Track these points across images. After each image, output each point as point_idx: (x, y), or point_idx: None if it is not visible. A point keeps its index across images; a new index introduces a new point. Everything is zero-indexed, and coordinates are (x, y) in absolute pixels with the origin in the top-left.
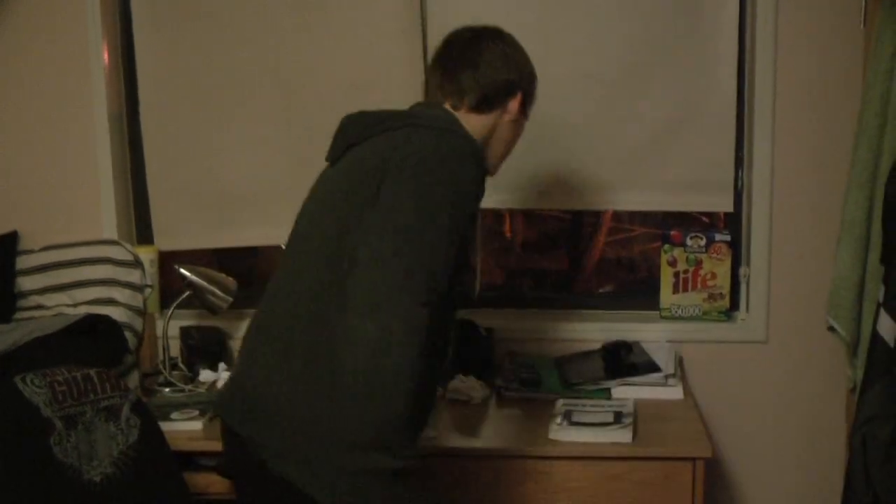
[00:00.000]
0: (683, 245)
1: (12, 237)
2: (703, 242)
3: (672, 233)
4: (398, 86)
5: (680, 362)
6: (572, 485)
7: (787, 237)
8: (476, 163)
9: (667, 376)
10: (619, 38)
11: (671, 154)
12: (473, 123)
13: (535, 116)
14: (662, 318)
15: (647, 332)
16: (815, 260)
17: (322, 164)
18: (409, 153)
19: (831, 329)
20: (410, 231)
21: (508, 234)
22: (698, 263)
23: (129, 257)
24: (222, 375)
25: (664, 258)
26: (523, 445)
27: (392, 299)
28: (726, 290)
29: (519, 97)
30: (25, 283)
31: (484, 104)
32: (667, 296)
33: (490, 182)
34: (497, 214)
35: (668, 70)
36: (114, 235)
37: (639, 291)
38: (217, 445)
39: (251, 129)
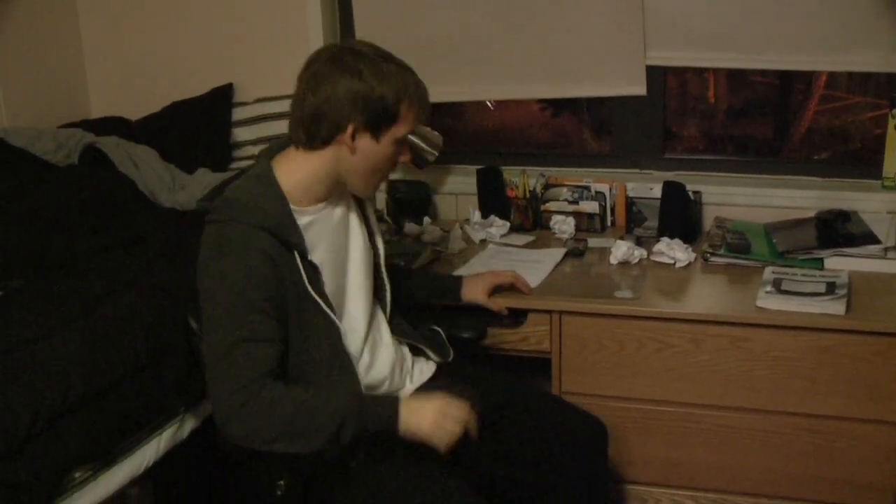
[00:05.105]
0: None
1: (228, 89)
2: None
3: None
4: None
5: None
6: (776, 354)
7: None
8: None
9: (886, 249)
10: None
11: None
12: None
13: None
14: (885, 187)
15: (867, 203)
16: None
17: (526, 29)
18: None
19: None
20: None
21: (711, 99)
22: None
23: None
24: (427, 229)
25: (891, 123)
26: (727, 311)
27: None
28: None
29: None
30: (240, 133)
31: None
32: (891, 164)
33: (690, 38)
34: (700, 76)
35: None
36: None
37: (856, 160)
38: None
39: None
